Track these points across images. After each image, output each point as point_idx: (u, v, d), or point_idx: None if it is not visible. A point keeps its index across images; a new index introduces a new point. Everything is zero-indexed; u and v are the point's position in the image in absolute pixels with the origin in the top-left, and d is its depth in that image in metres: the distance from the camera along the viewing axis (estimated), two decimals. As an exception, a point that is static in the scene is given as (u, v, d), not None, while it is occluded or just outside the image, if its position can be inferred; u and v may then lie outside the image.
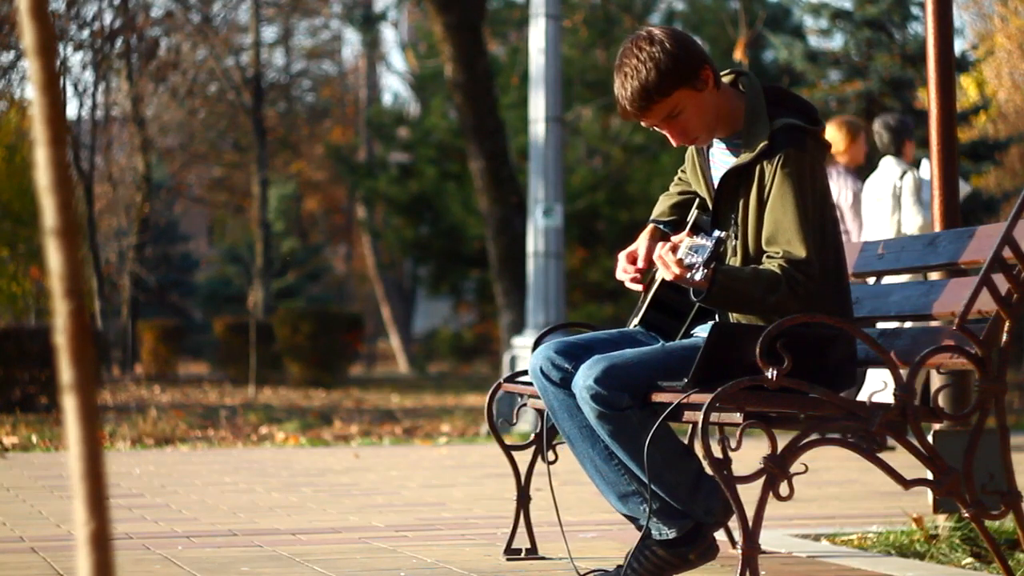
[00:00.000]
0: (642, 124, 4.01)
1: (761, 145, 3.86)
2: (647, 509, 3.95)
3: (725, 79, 4.05)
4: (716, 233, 3.67)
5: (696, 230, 4.08)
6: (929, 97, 5.17)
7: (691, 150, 4.17)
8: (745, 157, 3.90)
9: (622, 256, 4.20)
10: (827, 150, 4.00)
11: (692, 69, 3.90)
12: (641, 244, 4.20)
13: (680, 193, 4.31)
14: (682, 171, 4.35)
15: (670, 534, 3.98)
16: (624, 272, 4.18)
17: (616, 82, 3.95)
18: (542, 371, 4.04)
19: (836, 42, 19.40)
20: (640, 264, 4.17)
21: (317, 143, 35.47)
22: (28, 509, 6.20)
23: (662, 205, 4.33)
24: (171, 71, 27.10)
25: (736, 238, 3.91)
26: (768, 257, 3.85)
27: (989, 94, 25.03)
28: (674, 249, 3.73)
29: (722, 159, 4.05)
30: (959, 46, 27.85)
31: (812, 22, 20.21)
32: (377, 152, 33.03)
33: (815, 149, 3.93)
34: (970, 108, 20.43)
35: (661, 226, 4.25)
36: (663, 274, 3.80)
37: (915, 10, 18.10)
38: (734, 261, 3.91)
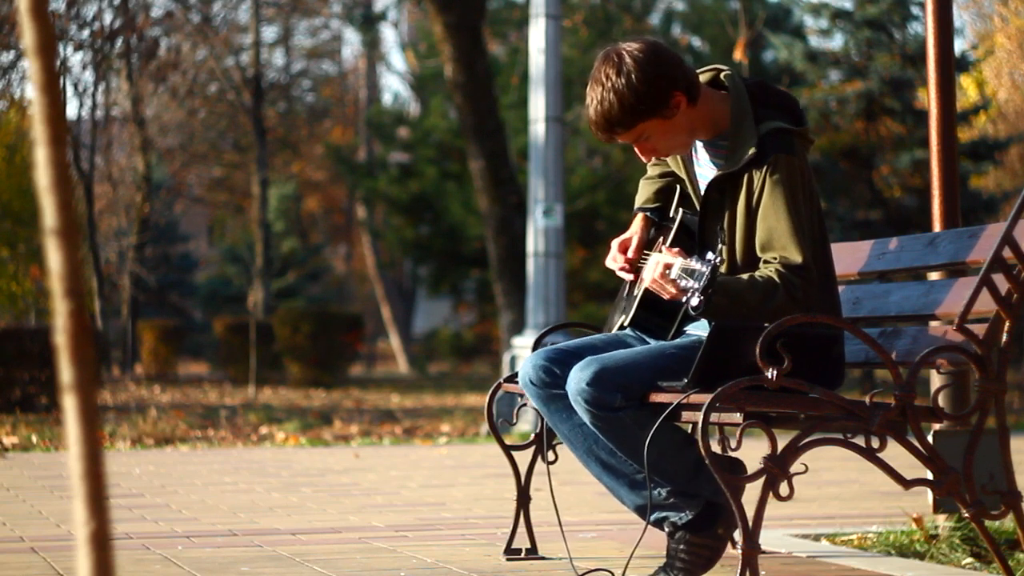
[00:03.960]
0: None
1: (750, 151, 3.85)
2: (655, 498, 3.98)
3: (704, 77, 4.02)
4: (710, 257, 3.65)
5: (684, 231, 4.09)
6: (929, 97, 5.17)
7: None
8: (732, 165, 3.88)
9: (615, 244, 4.20)
10: (811, 144, 4.00)
11: (658, 101, 3.85)
12: (634, 234, 4.20)
13: (660, 176, 4.29)
14: None
15: (689, 515, 4.00)
16: (614, 261, 4.19)
17: (587, 98, 3.94)
18: (531, 380, 4.05)
19: (836, 42, 19.40)
20: (631, 254, 4.18)
21: (317, 143, 35.47)
22: (28, 509, 6.20)
23: (646, 191, 4.32)
24: (171, 71, 27.09)
25: (723, 243, 3.90)
26: (764, 263, 3.84)
27: (989, 94, 25.03)
28: (667, 266, 3.73)
29: (705, 158, 4.05)
30: (959, 46, 27.86)
31: (812, 22, 20.22)
32: (377, 152, 33.03)
33: (802, 150, 3.93)
34: (970, 108, 20.44)
35: (649, 213, 4.25)
36: (659, 294, 3.79)
37: (915, 10, 18.11)
38: (722, 268, 3.90)
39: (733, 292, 3.76)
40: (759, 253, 3.86)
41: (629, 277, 4.21)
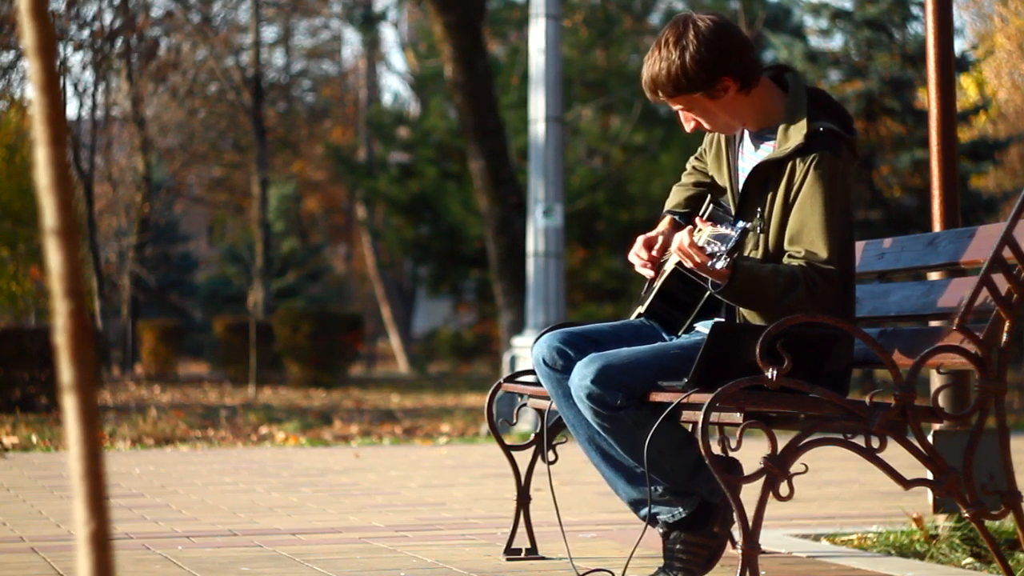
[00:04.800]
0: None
1: (797, 143, 3.85)
2: (653, 496, 3.98)
3: (769, 73, 4.01)
4: (741, 224, 3.64)
5: (712, 221, 4.07)
6: (929, 97, 5.17)
7: (719, 137, 4.15)
8: (780, 152, 3.88)
9: (640, 239, 4.19)
10: (857, 160, 4.00)
11: (705, 82, 3.87)
12: (660, 233, 4.20)
13: (695, 184, 4.30)
14: (697, 158, 4.33)
15: (683, 513, 4.00)
16: (637, 257, 4.18)
17: (647, 53, 3.98)
18: (544, 360, 4.07)
19: (836, 42, 19.40)
20: (655, 252, 4.17)
21: (317, 143, 35.47)
22: (28, 509, 6.20)
23: (677, 197, 4.33)
24: (171, 71, 27.10)
25: (760, 231, 3.90)
26: (790, 256, 3.84)
27: (989, 94, 25.03)
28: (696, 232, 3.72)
29: (749, 149, 4.04)
30: (959, 46, 27.86)
31: (812, 22, 20.22)
32: (377, 152, 33.03)
33: (848, 157, 3.92)
34: (970, 108, 20.44)
35: (677, 218, 4.25)
36: (684, 261, 3.77)
37: (915, 10, 18.11)
38: (754, 254, 3.90)
39: (755, 276, 3.75)
40: (787, 246, 3.85)
41: (649, 273, 4.20)
